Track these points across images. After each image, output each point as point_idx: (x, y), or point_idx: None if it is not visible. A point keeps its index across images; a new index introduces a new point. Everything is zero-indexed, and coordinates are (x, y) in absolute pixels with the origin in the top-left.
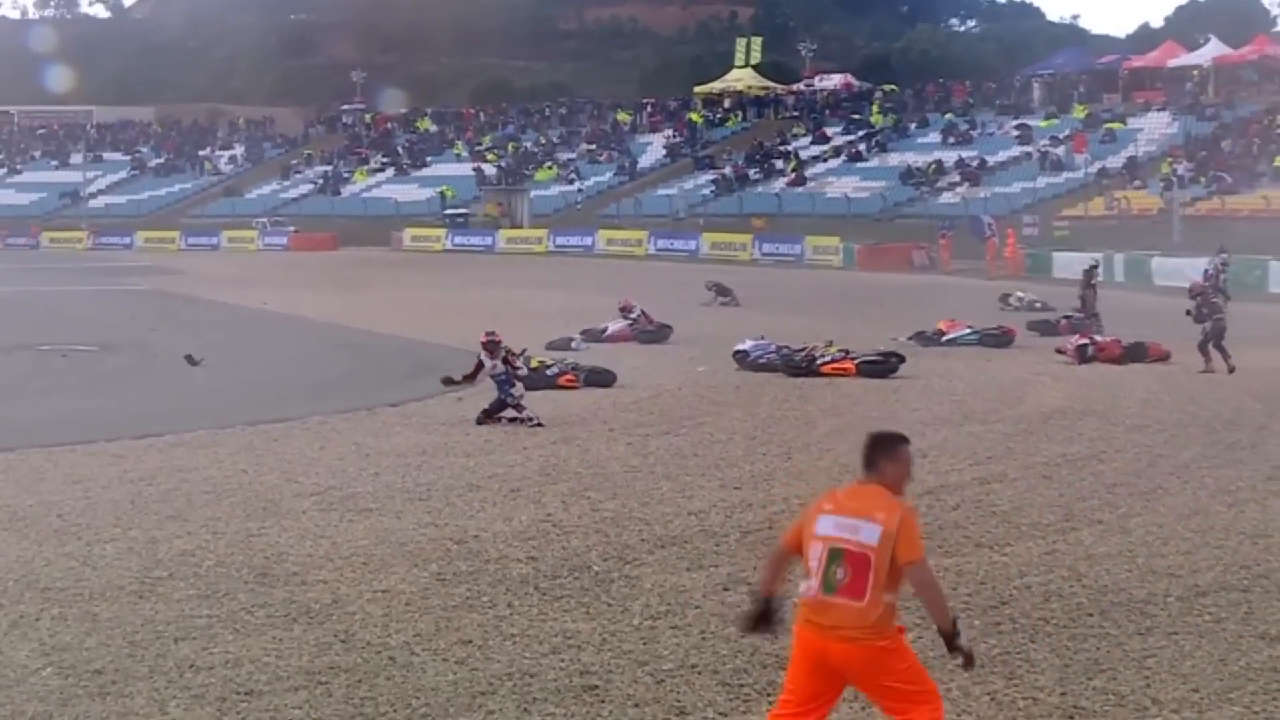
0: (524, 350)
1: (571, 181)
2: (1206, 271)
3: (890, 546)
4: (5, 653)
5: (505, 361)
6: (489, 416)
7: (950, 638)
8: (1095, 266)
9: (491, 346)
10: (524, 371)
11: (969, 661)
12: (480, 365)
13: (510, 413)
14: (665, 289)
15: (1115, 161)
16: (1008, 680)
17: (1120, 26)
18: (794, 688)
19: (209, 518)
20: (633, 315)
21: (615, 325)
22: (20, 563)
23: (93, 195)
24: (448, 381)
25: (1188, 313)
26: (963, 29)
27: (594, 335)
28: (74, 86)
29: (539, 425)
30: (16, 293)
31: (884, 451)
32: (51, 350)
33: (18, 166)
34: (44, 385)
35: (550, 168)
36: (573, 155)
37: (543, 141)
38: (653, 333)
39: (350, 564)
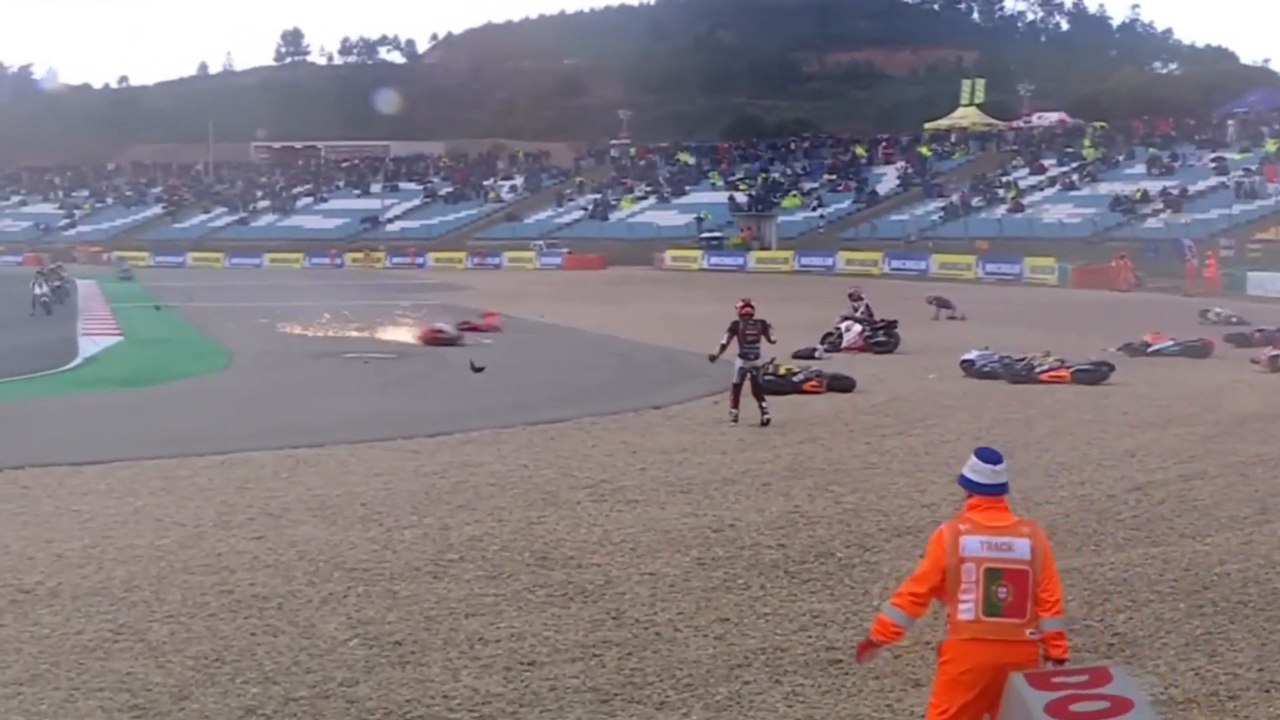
0: (773, 359)
1: (814, 208)
2: None
3: None
4: (317, 625)
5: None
6: (758, 394)
7: None
8: None
9: (746, 314)
10: (761, 356)
11: None
12: (737, 326)
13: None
14: (898, 303)
15: None
16: (1210, 657)
17: None
18: None
19: (494, 507)
20: (860, 304)
21: (849, 335)
22: (329, 546)
23: (390, 220)
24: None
25: None
26: (1165, 71)
27: (833, 344)
28: (373, 124)
29: (734, 421)
30: (324, 306)
31: None
32: (355, 357)
33: (324, 195)
34: (349, 388)
35: (795, 195)
36: (815, 184)
37: (788, 172)
38: (884, 343)
39: (620, 549)
